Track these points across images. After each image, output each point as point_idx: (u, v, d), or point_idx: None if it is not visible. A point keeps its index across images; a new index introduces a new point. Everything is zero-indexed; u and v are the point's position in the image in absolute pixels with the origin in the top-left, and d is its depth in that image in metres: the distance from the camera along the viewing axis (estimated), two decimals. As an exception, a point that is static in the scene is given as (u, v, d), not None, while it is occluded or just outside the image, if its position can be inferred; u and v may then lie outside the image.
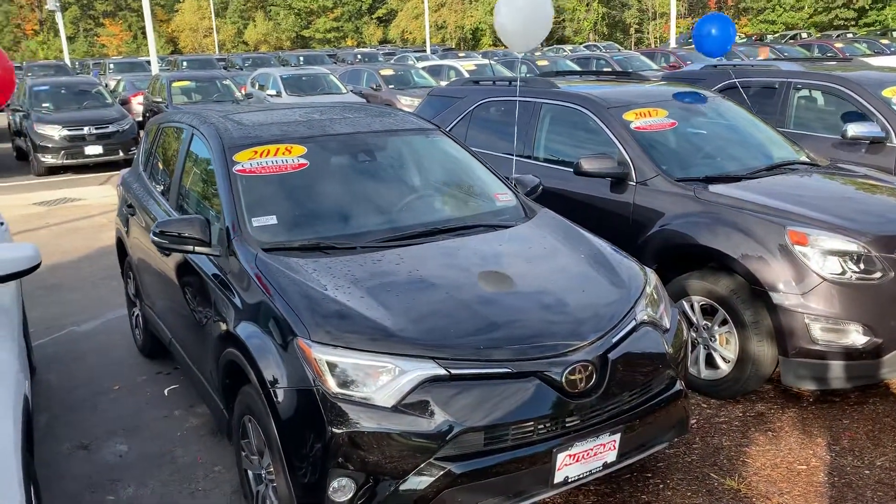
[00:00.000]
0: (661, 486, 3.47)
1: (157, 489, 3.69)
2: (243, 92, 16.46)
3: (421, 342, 2.74)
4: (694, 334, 4.48)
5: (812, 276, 3.98)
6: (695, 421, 4.09)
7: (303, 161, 3.81)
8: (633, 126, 5.05)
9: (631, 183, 4.87)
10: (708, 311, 4.42)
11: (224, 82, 15.75)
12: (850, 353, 3.96)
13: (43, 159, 13.35)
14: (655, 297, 3.34)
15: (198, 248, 3.47)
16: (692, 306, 4.45)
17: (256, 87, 17.31)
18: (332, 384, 2.66)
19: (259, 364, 2.88)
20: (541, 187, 4.41)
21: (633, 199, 4.84)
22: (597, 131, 5.19)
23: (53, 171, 13.65)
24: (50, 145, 13.32)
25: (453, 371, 2.69)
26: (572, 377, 2.77)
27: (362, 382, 2.66)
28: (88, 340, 5.74)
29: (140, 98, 17.77)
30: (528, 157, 5.66)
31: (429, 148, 4.36)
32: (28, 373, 3.67)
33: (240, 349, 3.03)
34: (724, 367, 4.35)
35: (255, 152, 3.80)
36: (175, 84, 15.25)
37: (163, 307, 4.46)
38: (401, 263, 3.26)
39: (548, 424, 2.75)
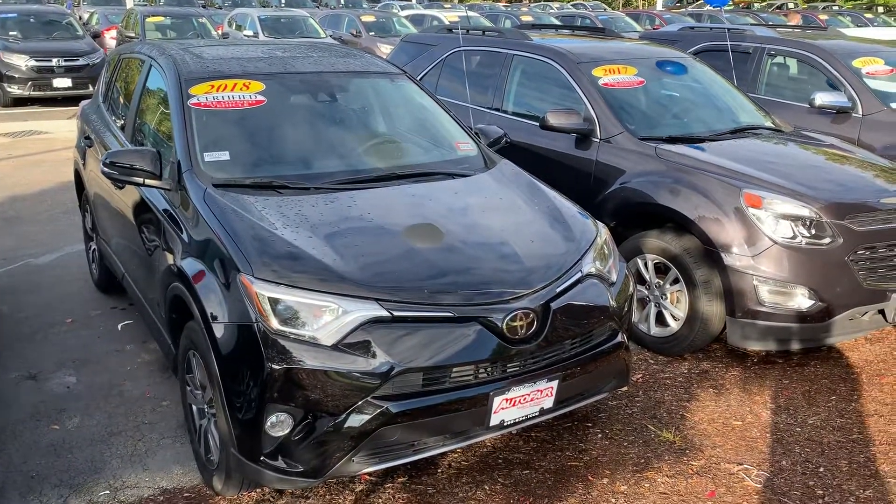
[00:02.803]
0: (600, 435, 3.55)
1: (102, 421, 3.70)
2: (219, 32, 16.12)
3: (365, 284, 2.75)
4: (646, 292, 4.54)
5: (763, 240, 4.04)
6: (640, 375, 4.18)
7: (260, 98, 3.76)
8: (601, 82, 5.04)
9: (595, 140, 4.87)
10: (661, 270, 4.48)
11: (200, 20, 15.40)
12: (795, 316, 4.05)
13: (9, 89, 13.02)
14: (605, 251, 3.37)
15: (147, 181, 3.43)
16: (646, 264, 4.50)
17: (234, 27, 16.94)
18: (273, 321, 2.66)
19: (202, 299, 2.87)
20: (505, 139, 4.39)
21: (597, 156, 4.85)
22: (565, 85, 5.17)
23: (20, 102, 13.33)
24: (17, 75, 12.98)
25: (396, 313, 2.70)
26: (513, 324, 2.80)
27: (304, 321, 2.67)
28: (44, 273, 5.69)
29: (113, 32, 17.30)
30: (497, 110, 5.63)
31: (393, 93, 4.31)
32: None
33: (184, 284, 3.02)
34: (674, 325, 4.42)
35: (212, 86, 3.74)
36: (149, 19, 14.93)
37: (116, 241, 4.42)
38: (353, 206, 3.25)
39: (486, 368, 2.79)
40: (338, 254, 2.87)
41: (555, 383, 2.94)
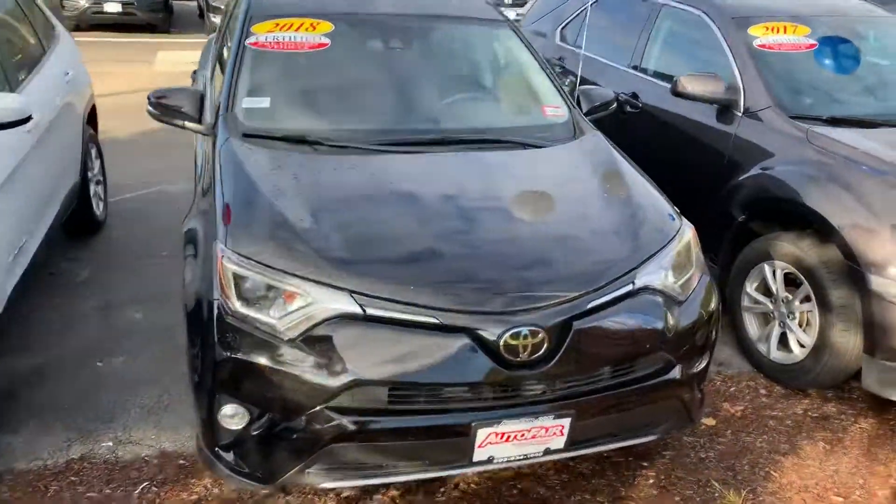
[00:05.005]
0: (652, 481, 2.91)
1: (144, 365, 3.63)
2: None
3: (344, 271, 2.33)
4: (770, 306, 3.70)
5: (928, 265, 3.08)
6: (741, 408, 3.43)
7: (324, 40, 3.38)
8: (756, 43, 4.11)
9: (737, 113, 4.00)
10: (792, 283, 3.61)
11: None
12: (960, 368, 3.08)
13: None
14: (683, 259, 2.67)
15: (187, 124, 3.21)
16: (774, 273, 3.66)
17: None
18: (234, 301, 2.33)
19: (186, 263, 2.61)
20: (614, 105, 3.71)
21: (736, 132, 3.98)
22: (713, 45, 4.29)
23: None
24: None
25: (369, 310, 2.26)
26: (513, 342, 2.25)
27: (267, 306, 2.31)
28: (172, 202, 5.78)
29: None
30: (636, 68, 4.84)
31: (485, 44, 3.77)
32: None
33: (185, 244, 2.77)
34: (798, 352, 3.57)
35: (277, 25, 3.42)
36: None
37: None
38: (379, 173, 2.82)
39: (470, 394, 2.28)
40: (328, 231, 2.47)
41: (566, 421, 2.36)
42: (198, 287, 2.46)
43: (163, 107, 3.21)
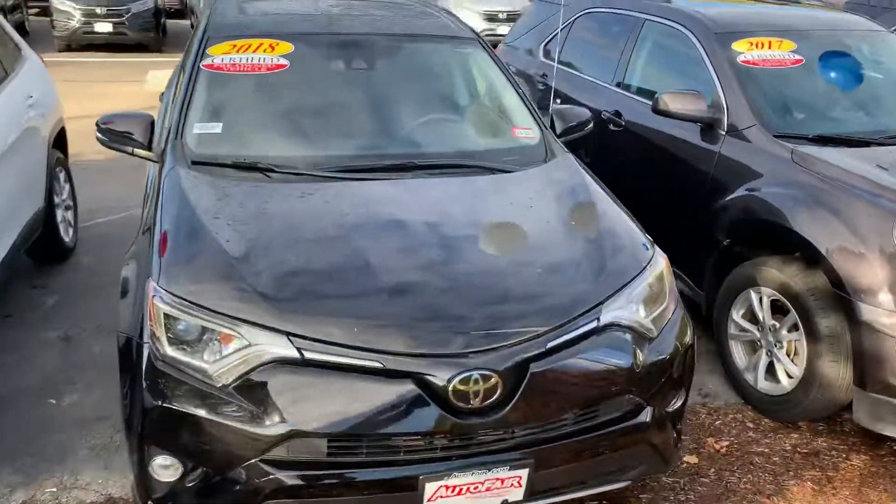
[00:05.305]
0: (626, 527, 2.73)
1: (98, 401, 3.46)
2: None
3: (282, 311, 2.15)
4: (758, 334, 3.52)
5: (920, 293, 2.90)
6: (727, 444, 3.23)
7: (282, 62, 3.23)
8: (740, 59, 3.94)
9: (721, 131, 3.83)
10: (780, 310, 3.43)
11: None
12: (956, 402, 2.90)
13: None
14: (655, 291, 2.50)
15: (136, 151, 3.05)
16: (760, 300, 3.48)
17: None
18: (164, 344, 2.16)
19: (121, 300, 2.45)
20: (590, 125, 3.54)
21: (719, 150, 3.81)
22: (695, 60, 4.13)
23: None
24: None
25: (308, 354, 2.09)
26: (463, 388, 2.07)
27: (200, 349, 2.14)
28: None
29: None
30: (619, 85, 4.69)
31: (452, 62, 3.61)
32: None
33: (122, 280, 2.61)
34: (786, 383, 3.39)
35: (234, 46, 3.28)
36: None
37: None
38: (331, 203, 2.66)
39: (418, 444, 2.10)
40: (269, 266, 2.30)
41: (523, 472, 2.17)
42: (128, 327, 2.30)
43: (111, 132, 3.06)
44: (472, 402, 2.08)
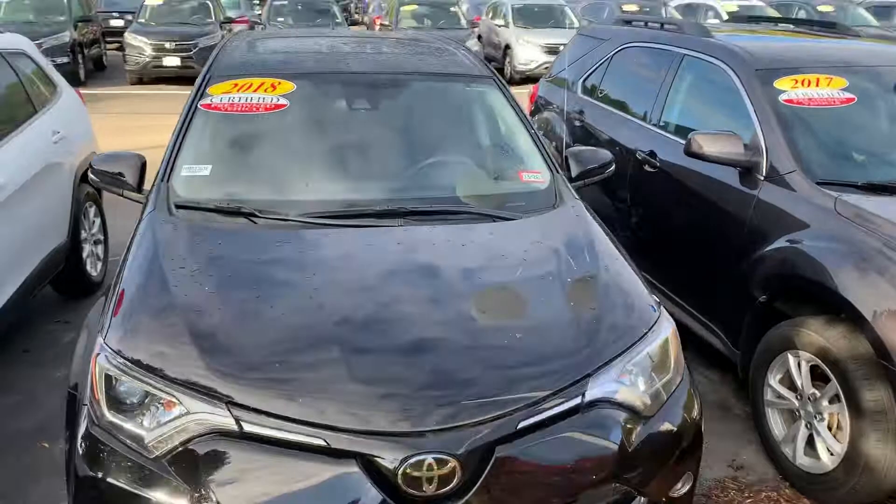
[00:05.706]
0: None
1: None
2: (476, 21, 15.91)
3: (224, 377, 1.97)
4: (796, 403, 3.16)
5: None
6: (752, 529, 2.87)
7: (282, 102, 3.10)
8: (782, 98, 3.61)
9: (759, 176, 3.51)
10: (821, 377, 3.07)
11: (452, 10, 15.28)
12: None
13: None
14: (658, 362, 2.22)
15: (126, 193, 2.96)
16: (799, 364, 3.12)
17: (490, 15, 16.61)
18: (104, 407, 2.01)
19: (73, 355, 2.33)
20: (611, 168, 3.29)
21: (758, 196, 3.47)
22: (734, 99, 3.81)
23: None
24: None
25: (247, 427, 1.90)
26: (415, 474, 1.84)
27: (139, 414, 1.98)
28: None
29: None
30: (656, 124, 4.40)
31: (460, 101, 3.42)
32: None
33: (81, 331, 2.49)
34: (827, 460, 3.01)
35: (235, 85, 3.17)
36: (404, 8, 15.11)
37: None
38: (308, 253, 2.48)
39: (361, 537, 1.87)
40: (219, 326, 2.13)
41: (485, 571, 1.91)
42: (75, 384, 2.16)
43: (103, 173, 2.98)
44: (424, 489, 1.84)
